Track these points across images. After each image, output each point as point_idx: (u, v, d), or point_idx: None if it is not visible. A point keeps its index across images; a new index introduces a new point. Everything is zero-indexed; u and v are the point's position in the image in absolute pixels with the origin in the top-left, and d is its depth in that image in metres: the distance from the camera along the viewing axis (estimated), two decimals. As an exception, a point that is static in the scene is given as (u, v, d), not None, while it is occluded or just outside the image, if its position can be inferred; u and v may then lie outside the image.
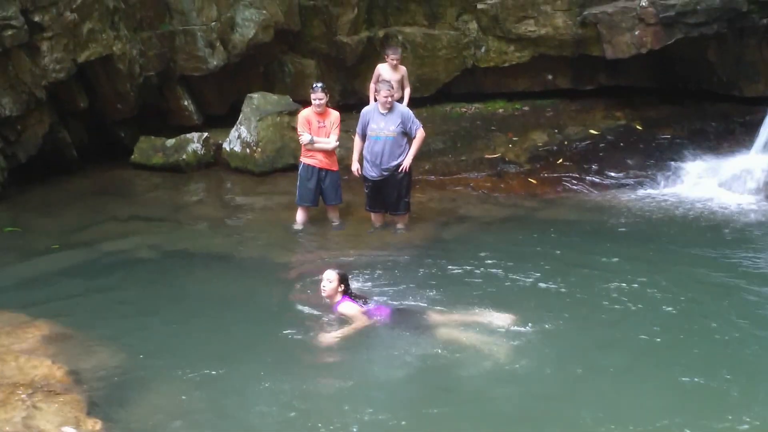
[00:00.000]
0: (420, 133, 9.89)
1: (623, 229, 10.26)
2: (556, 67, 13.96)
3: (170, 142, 12.69)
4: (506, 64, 13.92)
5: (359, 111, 10.34)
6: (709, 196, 11.32)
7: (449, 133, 13.23)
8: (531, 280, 8.48)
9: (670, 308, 7.78)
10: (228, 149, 12.61)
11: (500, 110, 14.05)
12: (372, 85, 11.53)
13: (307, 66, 13.90)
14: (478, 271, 8.72)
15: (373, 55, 13.73)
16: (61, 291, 8.48)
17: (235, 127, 12.60)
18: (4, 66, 10.93)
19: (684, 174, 11.88)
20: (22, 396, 6.06)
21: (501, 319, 7.43)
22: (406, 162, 9.86)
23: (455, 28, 14.01)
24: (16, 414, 5.84)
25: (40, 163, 11.93)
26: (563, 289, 8.24)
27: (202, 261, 9.38)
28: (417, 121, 9.93)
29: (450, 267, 8.92)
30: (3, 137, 11.27)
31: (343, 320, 7.48)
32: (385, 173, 9.86)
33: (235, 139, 12.54)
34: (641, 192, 11.62)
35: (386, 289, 8.23)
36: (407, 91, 11.83)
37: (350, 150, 10.32)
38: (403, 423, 6.06)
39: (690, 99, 13.58)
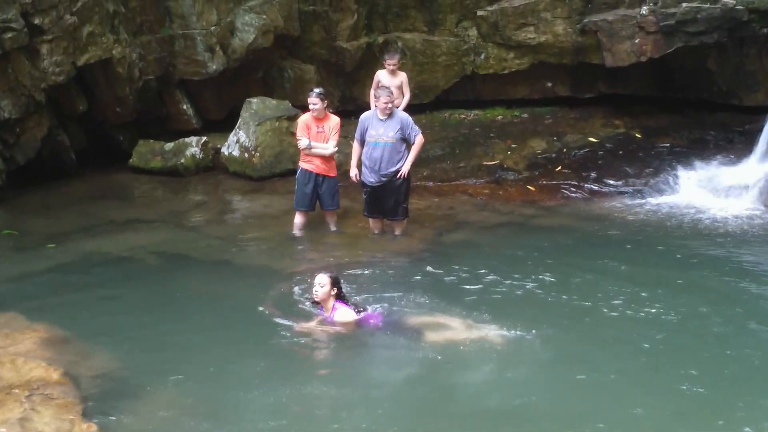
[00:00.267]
0: (419, 140, 9.89)
1: (622, 237, 10.23)
2: (556, 74, 13.97)
3: (169, 146, 12.68)
4: (506, 71, 13.92)
5: (358, 117, 10.32)
6: (708, 204, 11.30)
7: (448, 140, 13.23)
8: (529, 286, 8.47)
9: (668, 315, 7.77)
10: (226, 154, 12.61)
11: (499, 117, 14.07)
12: (372, 92, 11.51)
13: (306, 71, 13.90)
14: (475, 278, 8.71)
15: (372, 61, 13.74)
16: (58, 294, 8.48)
17: (233, 131, 12.60)
18: (4, 69, 10.93)
19: (683, 182, 11.86)
20: (19, 398, 6.05)
21: (498, 326, 7.40)
22: (405, 168, 9.85)
23: (455, 35, 14.02)
24: (12, 416, 5.83)
25: (39, 166, 11.94)
26: (562, 296, 8.22)
27: (200, 265, 9.37)
28: (416, 128, 9.93)
29: (448, 273, 8.90)
30: (2, 140, 11.27)
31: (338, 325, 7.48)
32: (384, 179, 9.85)
33: (234, 144, 12.53)
34: (640, 200, 11.60)
35: (383, 294, 8.21)
36: (407, 97, 11.79)
37: (349, 155, 10.31)
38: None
39: (689, 108, 13.59)
